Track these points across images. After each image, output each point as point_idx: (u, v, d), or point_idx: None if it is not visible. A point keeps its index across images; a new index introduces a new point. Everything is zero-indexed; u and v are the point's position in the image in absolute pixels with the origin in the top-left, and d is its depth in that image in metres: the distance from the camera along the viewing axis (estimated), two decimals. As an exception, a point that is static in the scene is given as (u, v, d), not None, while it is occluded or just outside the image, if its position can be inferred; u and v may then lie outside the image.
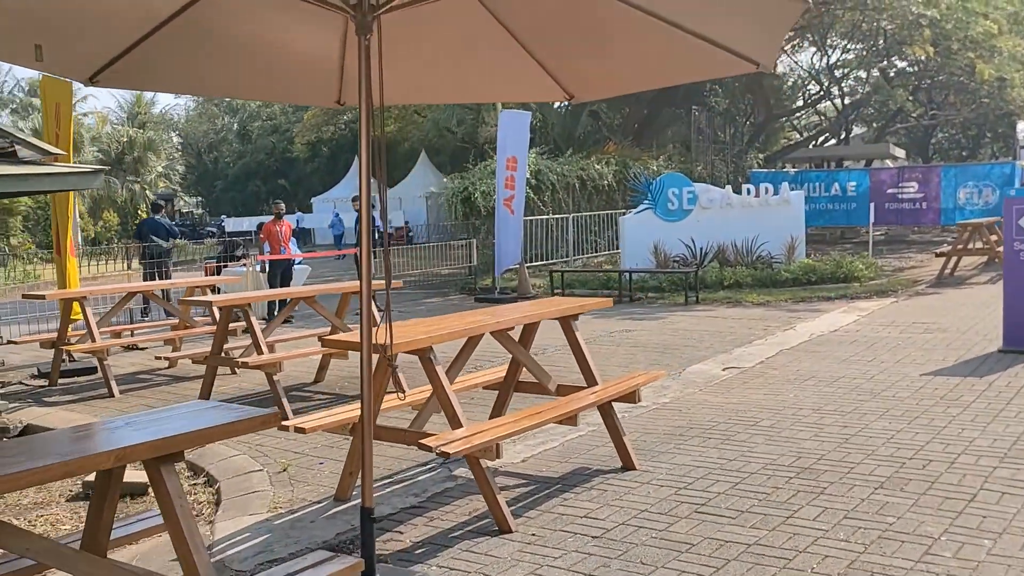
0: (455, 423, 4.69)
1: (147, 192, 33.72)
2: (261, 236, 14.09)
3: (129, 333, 11.00)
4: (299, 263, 15.20)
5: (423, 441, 4.38)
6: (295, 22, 4.36)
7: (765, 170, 27.39)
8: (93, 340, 8.56)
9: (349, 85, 5.15)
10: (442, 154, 40.77)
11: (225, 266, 14.05)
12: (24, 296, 8.72)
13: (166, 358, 7.81)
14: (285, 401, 7.37)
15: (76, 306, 9.40)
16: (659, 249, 16.15)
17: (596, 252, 20.48)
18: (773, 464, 5.56)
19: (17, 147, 6.69)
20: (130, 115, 58.78)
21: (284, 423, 4.89)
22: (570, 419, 5.21)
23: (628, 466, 5.57)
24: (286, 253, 13.59)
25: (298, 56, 4.90)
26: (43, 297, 8.56)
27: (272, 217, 13.80)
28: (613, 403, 5.62)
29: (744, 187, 17.28)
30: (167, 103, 57.94)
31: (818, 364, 8.74)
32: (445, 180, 19.46)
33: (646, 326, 11.85)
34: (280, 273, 13.45)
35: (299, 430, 4.79)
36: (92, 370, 9.31)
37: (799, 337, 10.52)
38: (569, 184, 20.02)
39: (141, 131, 37.97)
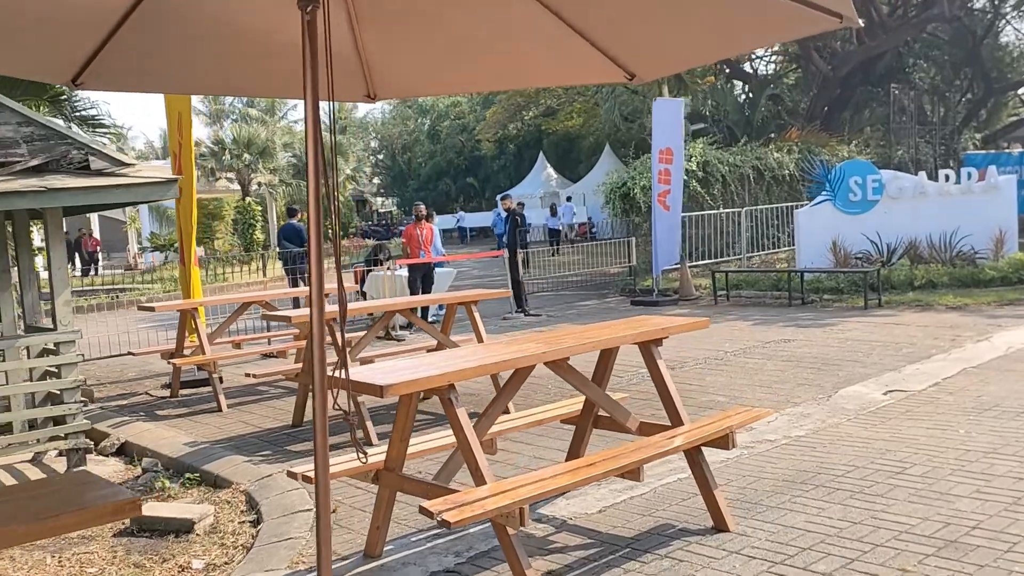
0: (478, 479, 3.88)
1: (337, 193, 34.69)
2: (403, 240, 13.76)
3: (266, 342, 10.91)
4: (445, 266, 14.78)
5: (425, 505, 3.60)
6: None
7: (983, 152, 24.52)
8: (203, 352, 8.38)
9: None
10: (627, 146, 39.74)
11: (370, 271, 13.85)
12: (139, 308, 8.70)
13: (253, 375, 7.47)
14: (370, 424, 6.80)
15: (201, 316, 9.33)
16: (838, 245, 14.49)
17: (777, 248, 18.88)
18: (909, 532, 4.36)
19: (92, 158, 6.48)
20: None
21: (292, 471, 4.26)
22: (631, 472, 4.26)
23: (720, 526, 4.54)
24: (426, 257, 13.17)
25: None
26: (153, 309, 8.50)
27: (413, 220, 13.45)
28: (703, 447, 4.61)
29: (942, 173, 15.24)
30: (369, 108, 59.94)
31: (1008, 388, 7.21)
32: (608, 174, 18.53)
33: (810, 335, 10.47)
34: (421, 277, 13.05)
35: (307, 479, 4.13)
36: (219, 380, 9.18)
37: (993, 351, 8.87)
38: (743, 175, 18.55)
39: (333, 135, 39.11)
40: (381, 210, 64.22)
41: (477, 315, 7.78)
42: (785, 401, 7.31)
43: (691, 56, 4.15)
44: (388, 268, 12.97)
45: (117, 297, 19.48)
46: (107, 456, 7.38)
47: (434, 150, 51.39)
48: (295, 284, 13.83)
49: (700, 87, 24.29)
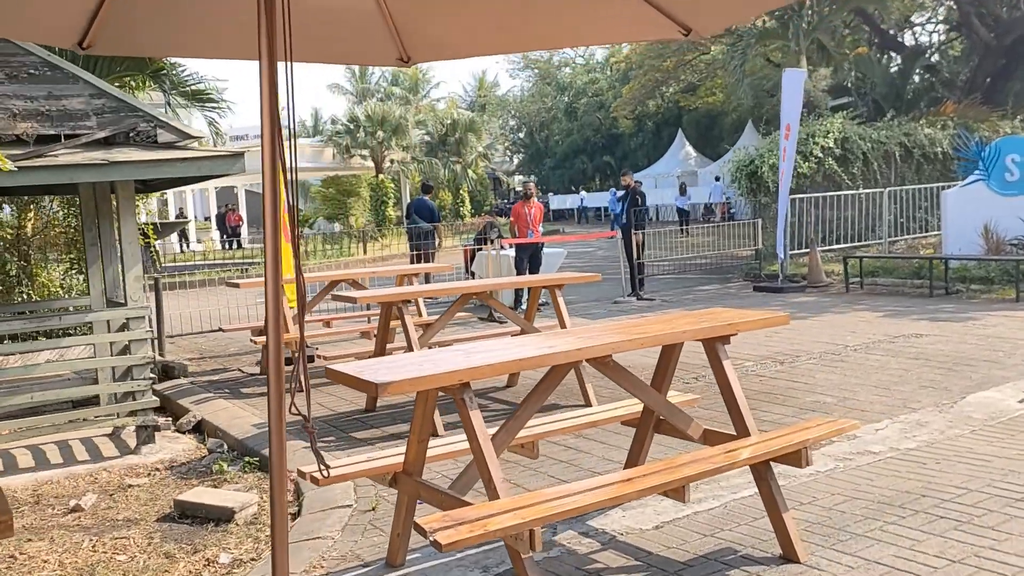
0: (492, 492, 3.42)
1: (468, 172, 34.87)
2: (511, 219, 13.33)
3: (366, 320, 10.74)
4: (555, 247, 14.30)
5: (420, 521, 3.16)
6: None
7: None
8: (287, 331, 8.22)
9: (413, 40, 4.07)
10: (771, 123, 38.01)
11: (479, 249, 13.52)
12: (227, 284, 8.64)
13: (323, 357, 7.22)
14: (436, 414, 6.42)
15: (289, 294, 9.22)
16: (990, 230, 13.09)
17: (926, 232, 17.41)
18: (1021, 579, 3.61)
19: (160, 131, 6.34)
20: (474, 99, 62.00)
21: (302, 469, 3.90)
22: (676, 491, 3.68)
23: (788, 556, 3.92)
24: (534, 236, 12.71)
25: (336, 9, 3.90)
26: (237, 286, 8.41)
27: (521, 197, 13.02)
28: (772, 463, 3.99)
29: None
30: (510, 85, 60.00)
31: None
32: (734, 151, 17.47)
33: (945, 330, 9.42)
34: (528, 258, 12.61)
35: (314, 480, 3.77)
36: (309, 359, 9.05)
37: None
38: (888, 153, 17.15)
39: (469, 112, 39.41)
40: (518, 188, 64.31)
41: (561, 300, 7.28)
42: (901, 406, 6.48)
43: (754, 4, 3.51)
44: (494, 247, 12.59)
45: (246, 272, 20.00)
46: (183, 433, 7.32)
47: (571, 127, 50.76)
48: (418, 261, 13.70)
49: (846, 57, 22.67)
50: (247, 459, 6.24)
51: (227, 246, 31.87)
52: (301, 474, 3.90)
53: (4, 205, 9.44)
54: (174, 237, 38.73)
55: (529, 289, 7.47)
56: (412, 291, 6.70)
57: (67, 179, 5.77)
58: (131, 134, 6.23)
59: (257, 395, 8.09)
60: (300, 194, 36.60)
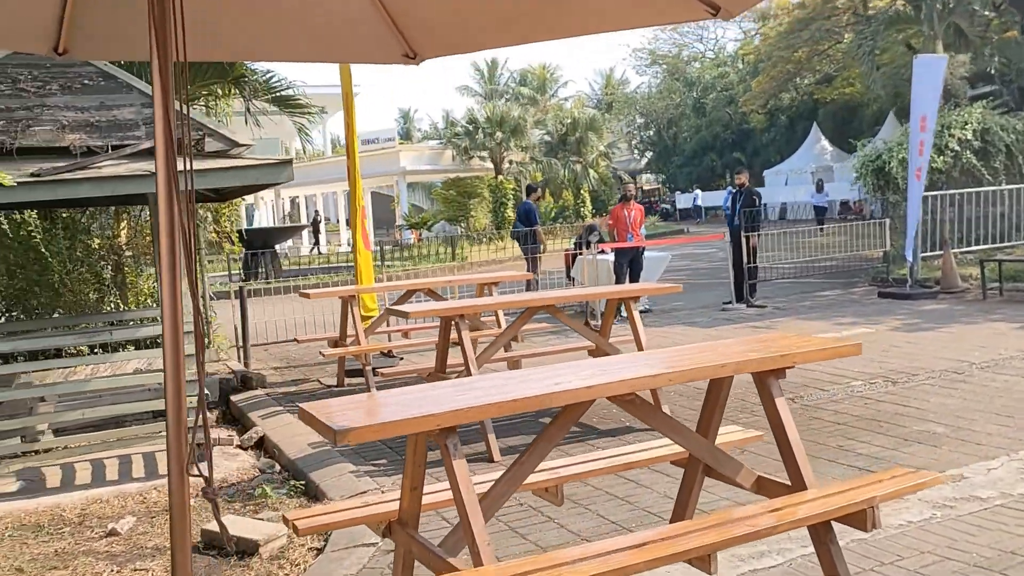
0: (476, 557, 2.93)
1: (589, 171, 34.24)
2: (609, 221, 12.72)
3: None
4: (658, 251, 13.59)
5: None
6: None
7: None
8: (358, 342, 7.96)
9: (419, 35, 3.68)
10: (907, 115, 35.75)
11: (579, 254, 12.97)
12: (300, 294, 8.44)
13: (380, 372, 6.87)
14: (492, 438, 5.98)
15: (369, 303, 8.98)
16: None
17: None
18: None
19: (208, 140, 6.13)
20: (601, 97, 61.13)
21: (287, 517, 3.51)
22: (701, 559, 3.09)
23: (850, 638, 3.26)
24: (634, 240, 12.07)
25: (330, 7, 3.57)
26: (308, 296, 8.18)
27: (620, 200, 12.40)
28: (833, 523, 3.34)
29: None
30: (637, 82, 58.82)
31: None
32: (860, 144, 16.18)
33: (1093, 345, 8.29)
34: (628, 263, 11.99)
35: (295, 529, 3.37)
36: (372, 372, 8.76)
37: None
38: (1037, 145, 15.58)
39: (593, 110, 38.76)
40: (646, 187, 63.04)
41: (637, 315, 6.70)
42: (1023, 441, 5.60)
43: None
44: (590, 252, 12.02)
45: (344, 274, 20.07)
46: (245, 449, 7.13)
47: (700, 124, 49.30)
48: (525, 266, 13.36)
49: (988, 42, 20.81)
50: (293, 482, 5.95)
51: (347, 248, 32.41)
52: (286, 521, 3.51)
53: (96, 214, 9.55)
54: (305, 239, 39.81)
55: (606, 301, 6.90)
56: (467, 305, 6.26)
57: (109, 191, 5.63)
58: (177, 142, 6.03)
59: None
60: (423, 196, 37.05)
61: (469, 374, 6.15)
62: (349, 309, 8.11)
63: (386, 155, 37.24)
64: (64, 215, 8.87)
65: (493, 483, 3.32)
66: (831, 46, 34.16)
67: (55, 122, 5.92)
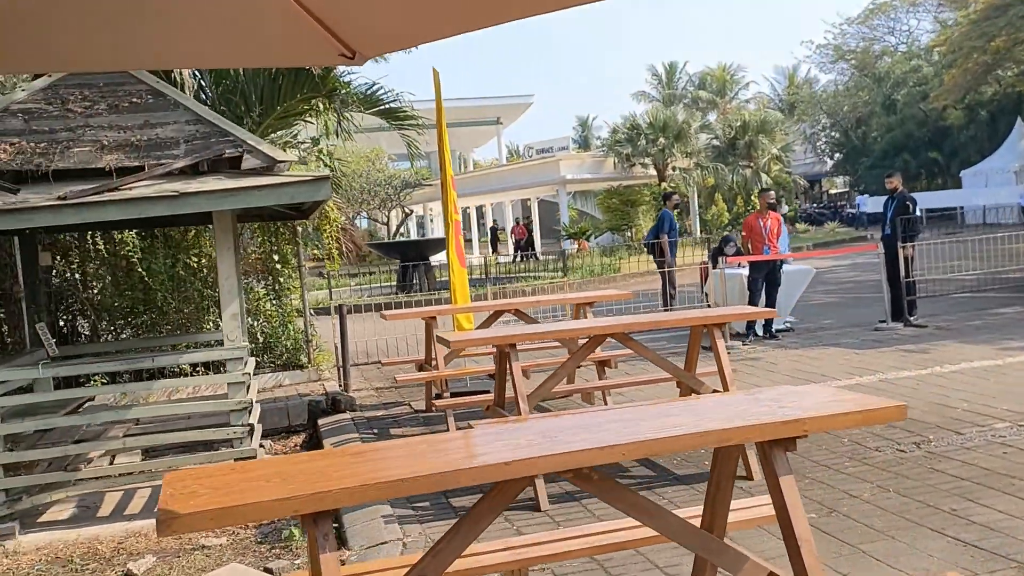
0: None
1: (760, 176, 32.39)
2: (743, 233, 11.64)
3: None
4: (801, 264, 12.35)
5: None
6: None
7: None
8: (436, 367, 7.48)
9: (355, 32, 3.16)
10: None
11: (714, 267, 11.96)
12: (381, 315, 8.02)
13: (434, 404, 6.30)
14: (540, 483, 5.30)
15: (464, 323, 8.50)
16: None
17: None
18: None
19: (247, 156, 5.82)
20: (783, 97, 58.32)
21: (268, 568, 3.01)
22: None
23: None
24: (771, 253, 10.96)
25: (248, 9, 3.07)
26: (384, 317, 7.74)
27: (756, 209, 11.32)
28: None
29: None
30: (824, 81, 55.55)
31: None
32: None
33: None
34: (764, 277, 10.90)
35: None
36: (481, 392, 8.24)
37: None
38: None
39: (766, 111, 36.80)
40: (832, 190, 59.54)
41: (721, 344, 5.81)
42: None
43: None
44: (722, 265, 11.03)
45: (504, 285, 19.74)
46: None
47: (891, 122, 45.92)
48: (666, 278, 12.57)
49: None
50: (326, 524, 5.51)
51: (516, 259, 32.26)
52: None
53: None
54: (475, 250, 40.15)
55: (692, 329, 6.06)
56: (518, 334, 5.60)
57: (135, 214, 5.41)
58: (218, 161, 5.77)
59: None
60: (593, 205, 36.45)
61: (519, 412, 5.51)
62: (427, 331, 7.65)
63: (546, 165, 36.92)
64: (163, 233, 8.94)
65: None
66: (1036, 33, 30.82)
67: (95, 142, 5.79)
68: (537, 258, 31.72)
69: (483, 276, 24.31)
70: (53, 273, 8.76)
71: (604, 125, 55.07)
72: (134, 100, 6.05)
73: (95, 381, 7.49)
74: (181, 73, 8.60)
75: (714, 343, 5.88)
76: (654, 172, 32.29)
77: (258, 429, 6.87)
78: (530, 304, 8.03)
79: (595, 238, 34.54)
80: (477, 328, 7.84)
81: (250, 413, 6.06)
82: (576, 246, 32.70)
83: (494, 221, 47.27)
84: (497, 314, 8.01)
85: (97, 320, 8.78)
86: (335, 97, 9.42)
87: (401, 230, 37.13)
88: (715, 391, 6.04)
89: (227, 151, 5.78)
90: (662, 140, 30.84)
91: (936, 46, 38.81)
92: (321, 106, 9.55)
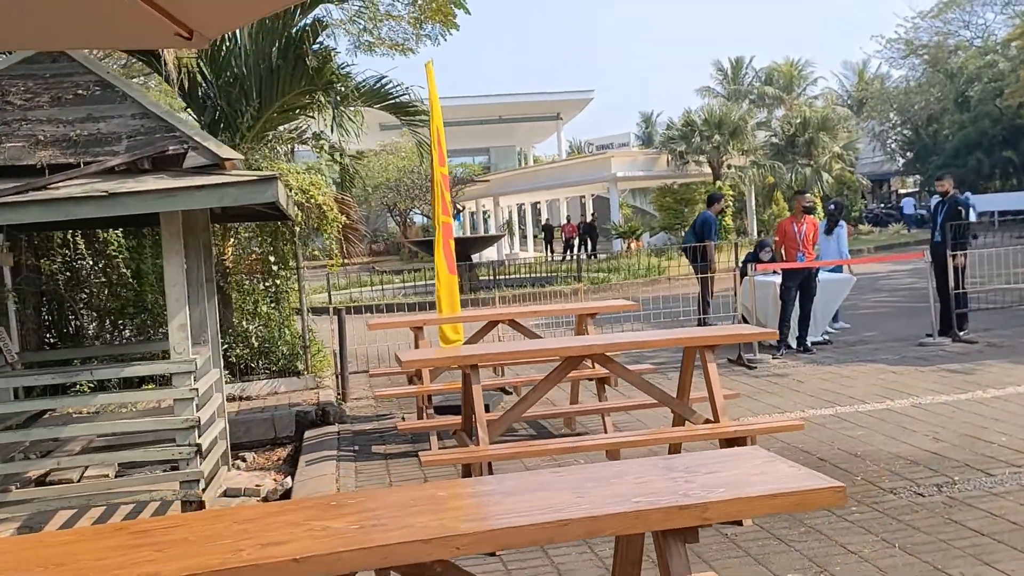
0: None
1: (821, 174, 31.06)
2: (776, 238, 10.84)
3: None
4: (839, 273, 11.48)
5: None
6: None
7: None
8: (421, 381, 6.93)
9: (183, 9, 2.62)
10: None
11: (747, 274, 11.18)
12: (368, 325, 7.49)
13: (399, 427, 5.74)
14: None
15: (450, 334, 7.96)
16: None
17: None
18: None
19: (192, 153, 5.34)
20: (852, 93, 56.37)
21: None
22: None
23: None
24: (805, 260, 10.16)
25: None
26: (370, 327, 7.20)
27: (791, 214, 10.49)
28: None
29: None
30: (896, 77, 53.50)
31: None
32: None
33: None
34: (798, 286, 10.11)
35: None
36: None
37: None
38: None
39: (839, 106, 35.37)
40: (902, 190, 57.32)
41: (713, 371, 5.15)
42: None
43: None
44: (751, 273, 10.26)
45: (543, 286, 19.14)
46: (268, 502, 6.30)
47: (963, 120, 43.94)
48: (704, 283, 11.79)
49: None
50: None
51: (565, 256, 31.64)
52: None
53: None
54: (507, 248, 39.61)
55: (685, 350, 5.41)
56: (482, 354, 5.00)
57: (61, 215, 4.97)
58: (159, 159, 5.29)
59: (382, 457, 6.87)
60: (644, 203, 35.52)
61: (477, 442, 4.92)
62: (418, 340, 7.10)
63: (597, 162, 36.11)
64: (152, 232, 8.56)
65: None
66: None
67: (30, 137, 5.38)
68: (590, 257, 30.99)
69: (490, 277, 23.68)
70: (40, 274, 8.44)
71: (667, 121, 54.02)
72: (79, 92, 5.61)
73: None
74: (166, 64, 8.20)
75: (705, 367, 5.22)
76: (708, 170, 31.28)
77: (220, 447, 6.41)
78: (527, 314, 7.42)
79: (650, 237, 33.63)
80: (466, 341, 7.28)
81: (198, 432, 5.58)
82: (627, 245, 31.89)
83: (546, 219, 46.57)
84: (491, 324, 7.43)
85: (78, 322, 8.45)
86: (332, 90, 8.92)
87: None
88: (707, 420, 5.39)
89: (170, 148, 5.31)
90: (717, 137, 29.79)
91: (1011, 39, 36.96)
92: (323, 99, 9.08)
